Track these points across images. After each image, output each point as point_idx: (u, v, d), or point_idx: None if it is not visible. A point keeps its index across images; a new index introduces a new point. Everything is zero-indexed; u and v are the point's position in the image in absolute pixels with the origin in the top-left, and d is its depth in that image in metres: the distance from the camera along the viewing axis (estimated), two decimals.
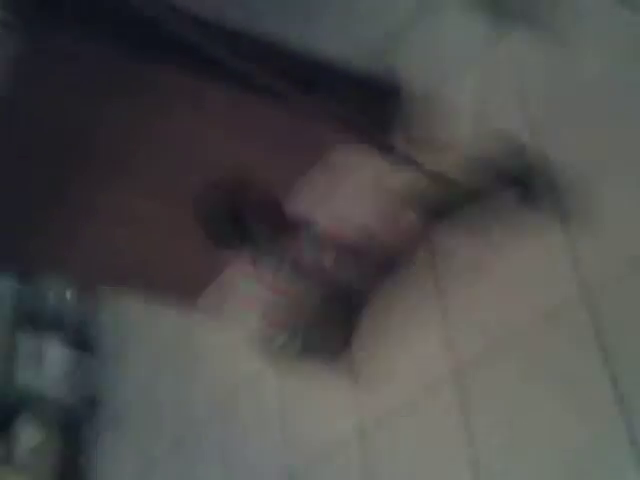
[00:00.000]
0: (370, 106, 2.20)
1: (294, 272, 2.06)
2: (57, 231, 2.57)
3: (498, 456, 1.71)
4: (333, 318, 2.21)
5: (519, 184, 1.73)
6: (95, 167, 2.30)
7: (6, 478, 4.11)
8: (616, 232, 1.57)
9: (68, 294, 4.44)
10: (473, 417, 1.79)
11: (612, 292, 1.54)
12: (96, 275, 3.07)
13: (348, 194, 2.36)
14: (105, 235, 2.57)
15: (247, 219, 2.04)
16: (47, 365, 4.22)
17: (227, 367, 2.86)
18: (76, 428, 4.22)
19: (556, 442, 1.57)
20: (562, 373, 1.60)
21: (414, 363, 2.00)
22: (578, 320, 1.58)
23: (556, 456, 1.56)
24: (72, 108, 2.14)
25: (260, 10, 2.30)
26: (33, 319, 4.38)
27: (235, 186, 2.06)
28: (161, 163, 2.31)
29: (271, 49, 2.17)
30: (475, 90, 1.95)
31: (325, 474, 2.25)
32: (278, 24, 2.19)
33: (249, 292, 2.20)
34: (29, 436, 4.15)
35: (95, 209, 2.45)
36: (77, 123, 2.16)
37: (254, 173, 2.25)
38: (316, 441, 2.32)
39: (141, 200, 2.45)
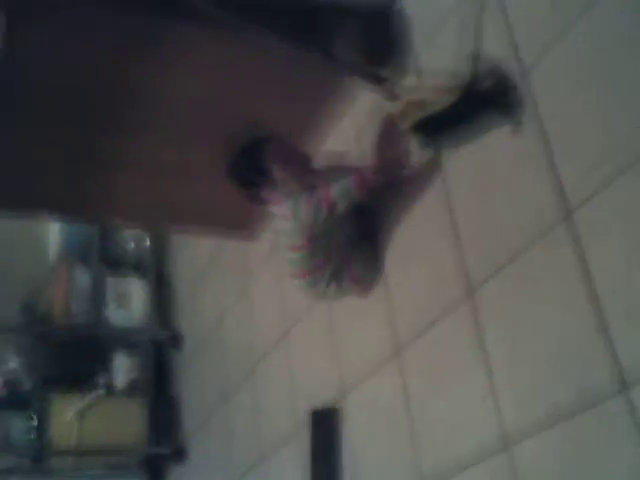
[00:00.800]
0: (367, 41, 2.31)
1: (321, 209, 2.21)
2: (101, 182, 2.85)
3: (506, 361, 1.87)
4: (360, 255, 2.39)
5: (495, 99, 1.88)
6: (124, 123, 2.53)
7: (113, 405, 4.56)
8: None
9: (146, 239, 4.79)
10: (486, 331, 1.95)
11: (591, 204, 1.64)
12: (145, 216, 3.31)
13: (355, 124, 2.49)
14: (139, 181, 2.82)
15: (268, 164, 2.21)
16: (133, 304, 4.62)
17: (281, 302, 3.11)
18: (164, 358, 4.64)
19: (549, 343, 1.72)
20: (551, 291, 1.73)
21: (431, 285, 2.16)
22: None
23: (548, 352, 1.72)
24: (97, 70, 2.35)
25: None
26: (117, 263, 4.78)
27: (256, 135, 2.23)
28: (182, 115, 2.51)
29: None
30: (458, 16, 2.02)
31: (368, 389, 2.48)
32: None
33: (288, 234, 2.34)
34: (125, 367, 4.58)
35: (129, 161, 2.69)
36: (103, 84, 2.38)
37: (270, 119, 2.41)
38: (359, 359, 2.54)
39: (171, 150, 2.67)
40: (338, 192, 2.18)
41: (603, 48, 1.66)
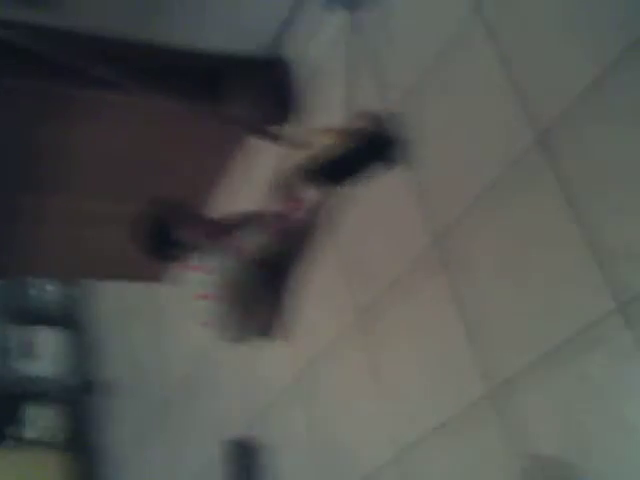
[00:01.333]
0: (257, 91, 2.49)
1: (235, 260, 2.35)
2: (19, 236, 2.92)
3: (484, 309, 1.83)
4: (264, 305, 2.53)
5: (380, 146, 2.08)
6: (39, 179, 2.62)
7: (23, 458, 4.48)
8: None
9: (48, 287, 4.76)
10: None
11: (458, 230, 1.85)
12: (63, 269, 3.42)
13: (259, 179, 2.65)
14: (53, 234, 2.91)
15: (176, 234, 2.35)
16: (41, 352, 4.57)
17: (190, 340, 3.20)
18: (77, 404, 4.60)
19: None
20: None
21: (326, 316, 2.34)
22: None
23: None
24: (11, 132, 2.44)
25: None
26: (20, 313, 4.72)
27: (164, 208, 2.37)
28: (92, 170, 2.63)
29: (164, 52, 2.44)
30: (343, 78, 2.22)
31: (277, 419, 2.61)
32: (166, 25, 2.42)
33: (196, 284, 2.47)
34: (37, 418, 4.52)
35: (46, 215, 2.77)
36: (18, 145, 2.48)
37: (177, 172, 2.56)
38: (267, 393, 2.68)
39: (86, 201, 2.78)
40: (252, 241, 2.34)
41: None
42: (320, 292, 2.38)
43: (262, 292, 2.49)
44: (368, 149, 2.09)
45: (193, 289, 2.46)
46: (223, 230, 2.44)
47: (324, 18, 2.36)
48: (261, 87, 2.50)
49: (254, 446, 2.72)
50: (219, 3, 2.43)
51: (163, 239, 2.36)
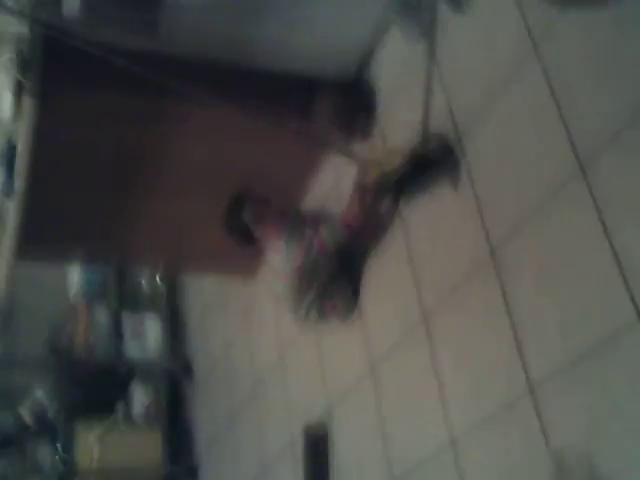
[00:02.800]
0: (340, 108, 2.80)
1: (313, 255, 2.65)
2: (126, 232, 3.36)
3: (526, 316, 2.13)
4: (340, 288, 2.81)
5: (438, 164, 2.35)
6: (146, 180, 3.06)
7: (128, 433, 4.99)
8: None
9: (158, 278, 5.26)
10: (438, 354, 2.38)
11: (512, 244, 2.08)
12: (169, 260, 3.84)
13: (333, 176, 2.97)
14: (156, 230, 3.34)
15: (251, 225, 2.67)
16: (148, 338, 5.07)
17: (278, 329, 3.56)
18: (177, 388, 5.08)
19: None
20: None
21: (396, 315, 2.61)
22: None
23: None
24: (121, 143, 2.86)
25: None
26: (132, 300, 5.25)
27: (247, 195, 2.70)
28: (188, 175, 3.02)
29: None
30: (414, 100, 2.48)
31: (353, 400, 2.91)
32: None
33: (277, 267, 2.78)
34: (142, 396, 5.01)
35: (146, 213, 3.20)
36: (126, 154, 2.91)
37: (261, 174, 2.91)
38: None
39: (181, 204, 3.19)
40: (327, 234, 2.62)
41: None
42: (388, 290, 2.66)
43: (335, 277, 2.74)
44: (432, 166, 2.36)
45: (274, 272, 2.76)
46: (299, 221, 2.71)
47: (402, 44, 2.63)
48: (343, 106, 2.80)
49: (325, 433, 3.03)
50: (309, 30, 2.76)
51: (236, 218, 2.65)
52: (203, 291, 4.84)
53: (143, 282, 5.31)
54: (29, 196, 2.90)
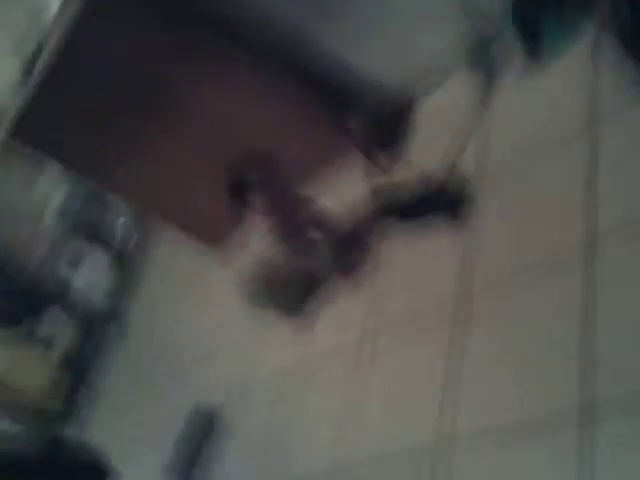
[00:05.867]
0: (378, 121, 2.80)
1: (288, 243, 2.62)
2: (125, 159, 3.29)
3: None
4: (297, 289, 2.78)
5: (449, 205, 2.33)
6: (157, 119, 3.00)
7: (24, 353, 4.81)
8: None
9: (122, 219, 5.15)
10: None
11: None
12: (146, 203, 3.76)
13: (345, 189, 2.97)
14: (156, 171, 3.26)
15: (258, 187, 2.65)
16: (86, 269, 4.94)
17: (224, 299, 3.50)
18: (95, 329, 4.91)
19: None
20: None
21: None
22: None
23: None
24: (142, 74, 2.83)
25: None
26: (89, 230, 5.12)
27: (256, 160, 2.68)
28: (207, 125, 2.97)
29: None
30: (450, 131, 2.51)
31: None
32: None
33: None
34: (55, 323, 4.86)
35: (154, 151, 3.14)
36: (148, 89, 2.89)
37: (279, 153, 2.88)
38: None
39: (188, 151, 3.13)
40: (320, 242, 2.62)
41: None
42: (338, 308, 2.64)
43: (297, 276, 2.71)
44: (440, 200, 2.35)
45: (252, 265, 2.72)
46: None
47: (456, 76, 2.64)
48: (382, 116, 2.81)
49: (218, 418, 2.96)
50: (376, 45, 2.78)
51: (244, 171, 2.63)
52: (165, 253, 4.74)
53: (107, 216, 5.18)
54: (40, 88, 2.90)
